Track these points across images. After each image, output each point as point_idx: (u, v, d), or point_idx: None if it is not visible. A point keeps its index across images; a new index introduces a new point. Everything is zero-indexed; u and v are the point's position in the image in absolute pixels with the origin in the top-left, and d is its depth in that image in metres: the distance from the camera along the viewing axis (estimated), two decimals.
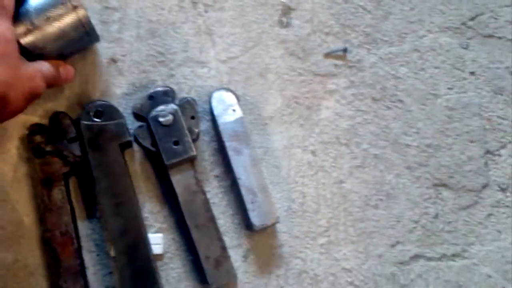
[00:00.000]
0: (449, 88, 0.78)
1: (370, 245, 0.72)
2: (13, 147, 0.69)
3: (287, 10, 0.78)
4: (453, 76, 0.79)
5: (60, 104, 0.71)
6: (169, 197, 0.70)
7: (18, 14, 0.60)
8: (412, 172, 0.75)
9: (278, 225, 0.71)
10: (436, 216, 0.75)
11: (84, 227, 0.68)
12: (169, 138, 0.68)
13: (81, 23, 0.63)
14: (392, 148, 0.76)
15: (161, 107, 0.68)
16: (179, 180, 0.68)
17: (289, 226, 0.71)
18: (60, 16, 0.62)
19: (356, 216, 0.73)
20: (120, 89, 0.73)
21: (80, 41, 0.65)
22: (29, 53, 0.61)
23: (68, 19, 0.62)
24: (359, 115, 0.76)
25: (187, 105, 0.70)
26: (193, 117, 0.70)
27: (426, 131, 0.76)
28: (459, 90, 0.78)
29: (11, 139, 0.69)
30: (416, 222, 0.75)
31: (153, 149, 0.68)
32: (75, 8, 0.62)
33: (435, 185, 0.75)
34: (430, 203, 0.75)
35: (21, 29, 0.60)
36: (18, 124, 0.70)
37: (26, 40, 0.60)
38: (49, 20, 0.61)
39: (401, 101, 0.77)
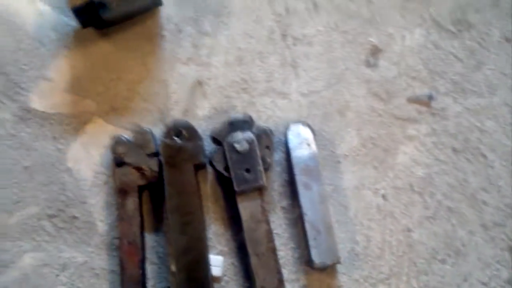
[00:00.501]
0: None
1: None
2: (98, 154, 0.74)
3: (375, 51, 0.78)
4: None
5: (144, 118, 0.75)
6: (234, 222, 0.71)
7: None
8: (487, 231, 0.72)
9: (338, 266, 0.70)
10: (508, 281, 0.71)
11: (150, 239, 0.71)
12: (242, 165, 0.69)
13: None
14: (468, 203, 0.72)
15: (238, 134, 0.70)
16: (246, 207, 0.69)
17: (350, 268, 0.70)
18: None
19: (420, 268, 0.71)
20: (202, 110, 0.76)
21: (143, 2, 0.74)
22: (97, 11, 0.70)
23: None
24: (437, 165, 0.74)
25: (263, 135, 0.71)
26: (268, 147, 0.71)
27: (507, 190, 0.73)
28: None
29: (97, 147, 0.74)
30: (485, 284, 0.71)
31: (225, 173, 0.70)
32: None
33: (511, 247, 0.71)
34: (503, 266, 0.71)
35: None
36: (106, 133, 0.74)
37: None
38: None
39: (483, 155, 0.74)
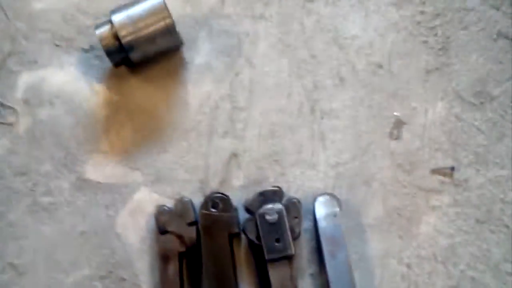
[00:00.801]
0: None
1: None
2: (143, 221, 0.82)
3: (399, 124, 0.83)
4: None
5: (186, 187, 0.83)
6: (266, 286, 0.77)
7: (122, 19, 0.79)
8: None
9: None
10: None
11: None
12: (272, 235, 0.75)
13: (168, 29, 0.81)
14: (491, 273, 0.75)
15: (269, 206, 0.76)
16: (276, 275, 0.75)
17: None
18: (152, 23, 0.80)
19: None
20: (237, 181, 0.83)
21: (166, 44, 0.84)
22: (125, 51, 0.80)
23: (158, 26, 0.80)
24: (460, 235, 0.77)
25: (292, 206, 0.77)
26: (296, 217, 0.77)
27: None
28: None
29: (143, 214, 0.82)
30: None
31: (257, 242, 0.76)
32: (164, 18, 0.80)
33: None
34: None
35: (123, 32, 0.78)
36: (151, 202, 0.82)
37: (125, 40, 0.79)
38: (144, 26, 0.79)
39: (507, 226, 0.77)
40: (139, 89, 0.88)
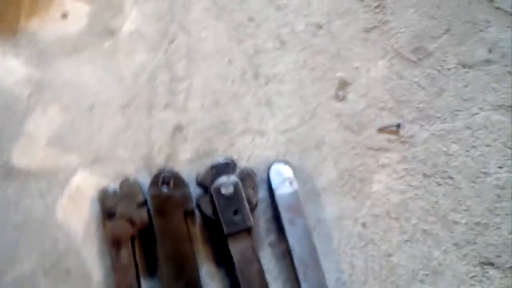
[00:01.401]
0: (499, 167, 0.80)
1: None
2: (86, 207, 0.75)
3: (343, 85, 0.82)
4: (504, 155, 0.81)
5: (128, 167, 0.77)
6: (225, 261, 0.74)
7: None
8: (460, 249, 0.77)
9: None
10: None
11: (145, 285, 0.73)
12: (229, 208, 0.72)
13: None
14: (441, 224, 0.78)
15: (223, 179, 0.73)
16: (237, 248, 0.72)
17: None
18: None
19: None
20: (184, 155, 0.78)
21: None
22: None
23: None
24: (410, 190, 0.79)
25: (247, 177, 0.74)
26: (252, 188, 0.74)
27: (475, 209, 0.78)
28: (509, 169, 0.80)
29: (84, 199, 0.75)
30: None
31: (213, 217, 0.73)
32: None
33: (482, 263, 0.77)
34: (476, 281, 0.77)
35: None
36: (92, 185, 0.76)
37: None
38: None
39: (451, 178, 0.79)
40: (64, 64, 0.80)
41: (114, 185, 0.74)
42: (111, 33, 0.82)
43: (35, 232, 0.74)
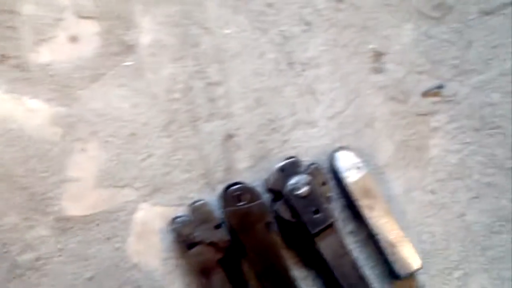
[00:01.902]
0: None
1: (503, 270, 0.77)
2: (157, 241, 0.71)
3: (378, 56, 0.81)
4: None
5: (190, 188, 0.73)
6: (312, 262, 0.73)
7: None
8: None
9: None
10: None
11: None
12: (308, 209, 0.70)
13: None
14: (501, 173, 0.80)
15: (294, 179, 0.71)
16: (326, 246, 0.71)
17: (426, 267, 0.75)
18: None
19: (483, 245, 0.78)
20: (241, 163, 0.75)
21: None
22: None
23: None
24: (465, 148, 0.80)
25: (316, 172, 0.72)
26: (323, 183, 0.72)
27: None
28: None
29: (154, 234, 0.71)
30: None
31: (294, 220, 0.71)
32: None
33: None
34: None
35: None
36: (157, 217, 0.71)
37: None
38: None
39: (500, 126, 0.81)
40: (89, 93, 0.73)
41: (181, 212, 0.70)
42: (129, 49, 0.75)
43: (113, 281, 0.69)
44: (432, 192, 0.78)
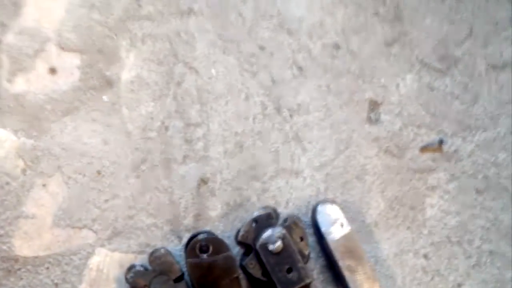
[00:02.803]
0: None
1: None
2: None
3: (374, 106, 0.75)
4: None
5: (153, 234, 0.67)
6: None
7: None
8: None
9: None
10: None
11: None
12: (281, 266, 0.63)
13: None
14: (506, 241, 0.71)
15: (268, 233, 0.64)
16: None
17: None
18: None
19: None
20: (214, 211, 0.69)
21: None
22: None
23: None
24: (465, 210, 0.72)
25: (293, 226, 0.65)
26: (301, 238, 0.65)
27: None
28: None
29: (109, 282, 0.64)
30: None
31: (264, 279, 0.63)
32: None
33: None
34: None
35: None
36: (114, 264, 0.65)
37: None
38: None
39: (506, 189, 0.73)
40: (60, 126, 0.69)
41: (141, 260, 0.64)
42: (109, 84, 0.72)
43: None
44: (426, 256, 0.70)
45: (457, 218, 0.71)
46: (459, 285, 0.69)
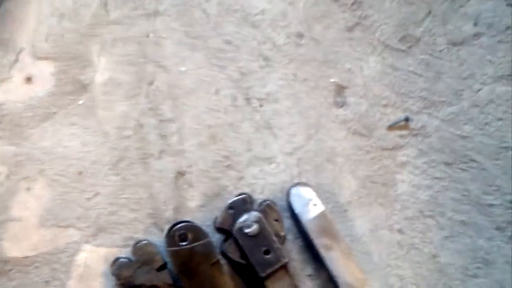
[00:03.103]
0: None
1: None
2: (100, 285, 0.67)
3: (340, 90, 0.78)
4: None
5: (136, 228, 0.70)
6: None
7: None
8: (503, 232, 0.73)
9: None
10: None
11: None
12: (258, 249, 0.66)
13: None
14: (476, 210, 0.74)
15: (244, 217, 0.67)
16: None
17: None
18: None
19: None
20: (193, 202, 0.71)
21: None
22: None
23: None
24: (436, 183, 0.74)
25: (268, 209, 0.68)
26: (276, 220, 0.68)
27: (506, 187, 0.75)
28: None
29: (96, 276, 0.67)
30: None
31: (243, 262, 0.66)
32: None
33: None
34: None
35: None
36: (100, 259, 0.68)
37: None
38: None
39: (473, 160, 0.76)
40: (39, 132, 0.72)
41: (126, 253, 0.67)
42: (83, 88, 0.74)
43: None
44: (400, 231, 0.72)
45: (428, 192, 0.74)
46: (434, 256, 0.72)
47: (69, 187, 0.70)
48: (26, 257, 0.67)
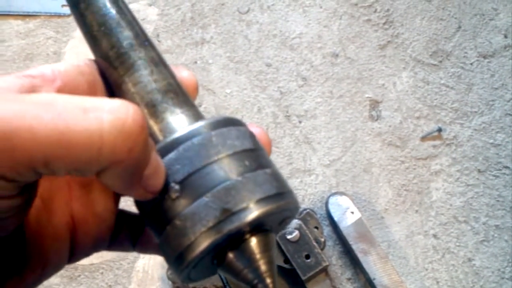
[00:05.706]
0: None
1: None
2: (158, 283, 0.74)
3: (374, 104, 0.83)
4: None
5: None
6: None
7: None
8: None
9: None
10: None
11: None
12: (300, 253, 0.71)
13: None
14: (511, 215, 0.76)
15: None
16: None
17: None
18: None
19: None
20: None
21: None
22: None
23: None
24: (470, 190, 0.78)
25: (308, 217, 0.73)
26: (316, 227, 0.73)
27: None
28: None
29: (152, 281, 0.74)
30: None
31: (286, 266, 0.72)
32: None
33: None
34: None
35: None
36: (156, 265, 0.75)
37: None
38: None
39: (506, 167, 0.78)
40: None
41: None
42: None
43: None
44: (435, 236, 0.76)
45: (462, 198, 0.78)
46: (470, 259, 0.75)
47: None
48: (92, 264, 0.75)
